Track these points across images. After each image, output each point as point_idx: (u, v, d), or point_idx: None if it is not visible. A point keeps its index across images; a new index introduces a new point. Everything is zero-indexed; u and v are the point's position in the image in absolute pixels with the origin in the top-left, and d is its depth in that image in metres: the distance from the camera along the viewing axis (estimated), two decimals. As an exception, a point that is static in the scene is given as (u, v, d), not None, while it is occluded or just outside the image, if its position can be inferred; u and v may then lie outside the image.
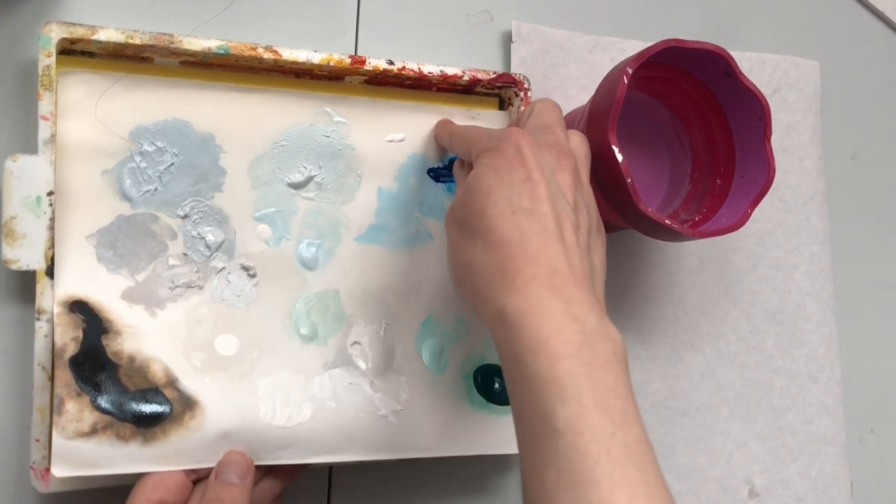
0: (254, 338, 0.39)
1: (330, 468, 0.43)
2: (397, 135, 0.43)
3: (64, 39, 0.37)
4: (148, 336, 0.36)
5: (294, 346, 0.39)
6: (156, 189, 0.38)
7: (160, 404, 0.34)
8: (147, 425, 0.34)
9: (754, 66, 0.54)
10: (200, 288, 0.38)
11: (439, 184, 0.43)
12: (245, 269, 0.39)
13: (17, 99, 0.39)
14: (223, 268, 0.39)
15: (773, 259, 0.53)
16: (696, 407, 0.50)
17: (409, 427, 0.40)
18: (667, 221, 0.39)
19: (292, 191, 0.40)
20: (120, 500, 0.33)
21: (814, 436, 0.51)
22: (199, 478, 0.35)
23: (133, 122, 0.38)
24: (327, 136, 0.41)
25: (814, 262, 0.53)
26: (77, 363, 0.33)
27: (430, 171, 0.43)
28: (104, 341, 0.35)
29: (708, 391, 0.50)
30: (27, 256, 0.35)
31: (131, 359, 0.35)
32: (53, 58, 0.36)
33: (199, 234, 0.38)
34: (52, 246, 0.36)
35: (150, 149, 0.38)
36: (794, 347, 0.52)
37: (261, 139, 0.40)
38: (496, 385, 0.42)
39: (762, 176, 0.42)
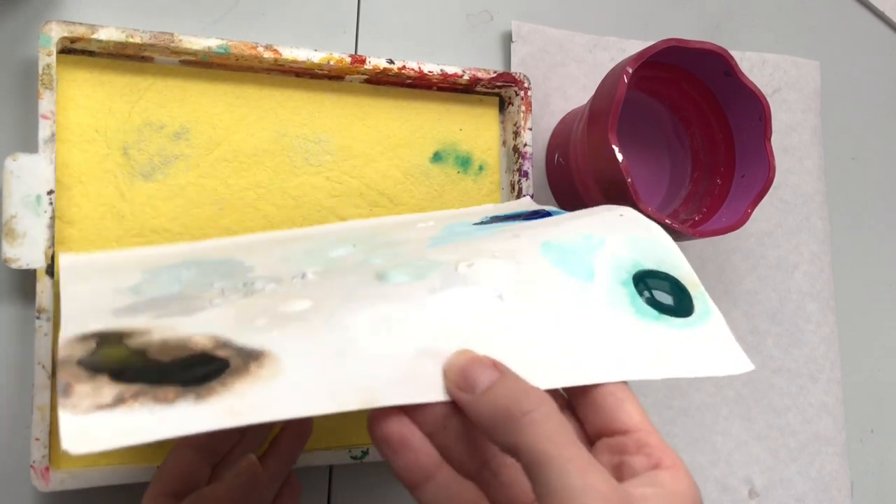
0: (328, 293, 0.30)
1: (330, 468, 0.43)
2: (428, 223, 0.40)
3: (64, 38, 0.37)
4: (184, 328, 0.28)
5: (386, 288, 0.30)
6: (173, 286, 0.32)
7: (209, 363, 0.26)
8: (195, 383, 0.25)
9: (754, 66, 0.54)
10: (247, 295, 0.31)
11: (490, 225, 0.39)
12: (299, 276, 0.33)
13: (18, 98, 0.39)
14: (270, 286, 0.32)
15: (773, 259, 0.53)
16: (696, 406, 0.50)
17: (564, 340, 0.30)
18: (667, 221, 0.39)
19: (338, 258, 0.35)
20: (120, 498, 0.33)
21: (814, 436, 0.51)
22: (215, 459, 0.34)
23: (142, 268, 0.34)
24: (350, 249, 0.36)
25: (814, 262, 0.53)
26: (87, 363, 0.26)
27: (474, 225, 0.39)
28: (125, 342, 0.27)
29: (708, 391, 0.50)
30: (27, 255, 0.35)
31: (163, 342, 0.27)
32: (54, 57, 0.36)
33: (236, 286, 0.32)
34: (53, 245, 0.36)
35: (161, 274, 0.33)
36: (794, 347, 0.52)
37: (284, 250, 0.36)
38: (667, 294, 0.33)
39: (762, 176, 0.42)
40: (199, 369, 0.26)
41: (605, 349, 0.30)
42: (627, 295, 0.32)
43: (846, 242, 0.56)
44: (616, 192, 0.39)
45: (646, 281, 0.33)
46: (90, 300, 0.31)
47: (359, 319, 0.28)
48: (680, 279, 0.33)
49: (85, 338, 0.27)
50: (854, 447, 0.54)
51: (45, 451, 0.35)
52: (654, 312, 0.32)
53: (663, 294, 0.32)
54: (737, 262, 0.52)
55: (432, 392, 0.27)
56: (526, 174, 0.45)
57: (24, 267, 0.35)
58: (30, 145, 0.38)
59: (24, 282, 0.38)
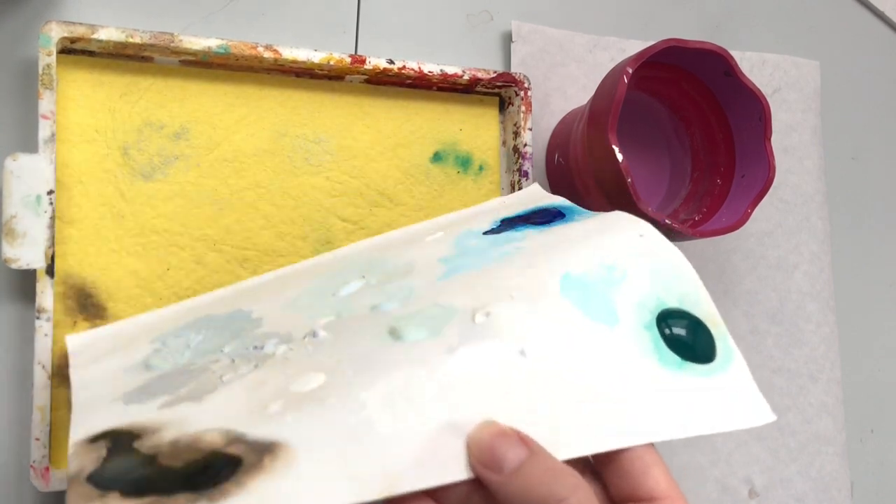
0: (342, 362, 0.28)
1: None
2: (436, 235, 0.37)
3: (64, 38, 0.37)
4: (196, 418, 0.27)
5: (401, 349, 0.28)
6: (184, 354, 0.32)
7: (222, 463, 0.25)
8: (207, 486, 0.24)
9: (754, 66, 0.54)
10: (257, 367, 0.29)
11: (501, 233, 0.37)
12: (310, 335, 0.31)
13: (18, 98, 0.39)
14: (282, 349, 0.30)
15: (773, 259, 0.53)
16: (696, 407, 0.50)
17: (590, 399, 0.28)
18: (667, 221, 0.39)
19: (345, 297, 0.33)
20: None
21: (814, 436, 0.51)
22: None
23: (150, 334, 0.33)
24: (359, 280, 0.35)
25: (814, 262, 0.53)
26: (97, 479, 0.25)
27: (485, 233, 0.37)
28: (136, 445, 0.26)
29: (708, 391, 0.50)
30: (27, 255, 0.35)
31: (174, 443, 0.26)
32: (54, 57, 0.36)
33: (246, 348, 0.31)
34: (53, 245, 0.36)
35: (171, 340, 0.33)
36: (794, 347, 0.52)
37: (289, 292, 0.35)
38: (690, 335, 0.31)
39: (762, 176, 0.42)
40: (211, 471, 0.24)
41: (633, 408, 0.28)
42: (651, 340, 0.30)
43: (846, 242, 0.56)
44: (616, 192, 0.39)
45: (668, 321, 0.31)
46: (100, 386, 0.30)
47: (375, 394, 0.26)
48: (702, 318, 0.32)
49: (95, 440, 0.27)
50: (854, 447, 0.54)
51: (45, 451, 0.35)
52: (678, 360, 0.30)
53: (685, 335, 0.31)
54: (737, 262, 0.52)
55: (456, 470, 0.25)
56: (526, 174, 0.45)
57: (24, 267, 0.35)
58: (30, 145, 0.38)
59: (24, 282, 0.38)
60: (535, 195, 0.41)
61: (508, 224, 0.37)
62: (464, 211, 0.41)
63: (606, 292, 0.31)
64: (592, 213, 0.37)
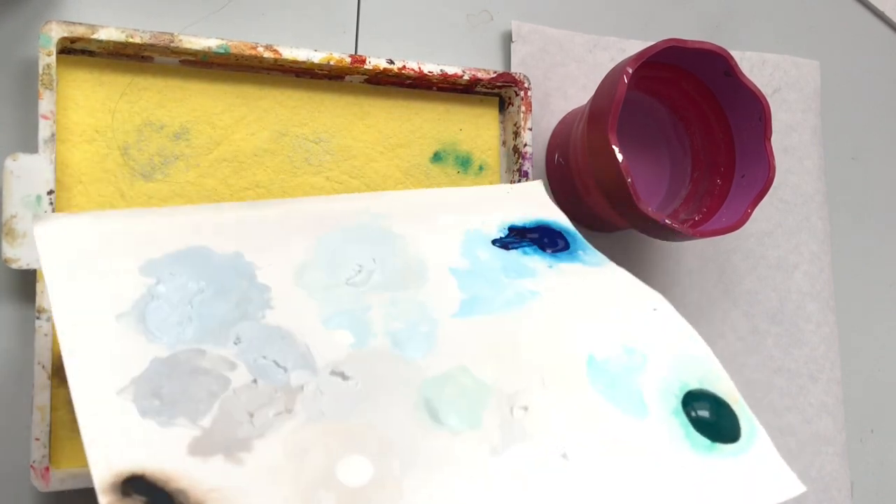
0: (385, 447, 0.28)
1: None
2: (442, 220, 0.37)
3: (64, 38, 0.37)
4: (241, 492, 0.26)
5: (442, 440, 0.29)
6: (190, 318, 0.30)
7: None
8: None
9: (754, 66, 0.54)
10: (290, 411, 0.28)
11: (511, 251, 0.37)
12: (337, 374, 0.30)
13: (18, 98, 0.39)
14: (309, 383, 0.30)
15: (773, 259, 0.53)
16: (696, 407, 0.50)
17: (630, 499, 0.30)
18: (667, 221, 0.39)
19: (354, 289, 0.33)
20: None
21: (814, 436, 0.51)
22: None
23: (141, 257, 0.30)
24: (368, 231, 0.35)
25: (814, 262, 0.53)
26: None
27: (493, 242, 0.37)
28: None
29: (708, 391, 0.50)
30: (28, 255, 0.35)
31: None
32: (54, 57, 0.36)
33: (263, 356, 0.30)
34: (52, 245, 0.36)
35: (168, 284, 0.30)
36: (794, 347, 0.52)
37: (296, 245, 0.33)
38: (716, 416, 0.33)
39: (762, 176, 0.42)
40: None
41: (672, 500, 0.30)
42: (681, 426, 0.32)
43: (846, 242, 0.56)
44: (616, 192, 0.39)
45: (693, 404, 0.33)
46: (90, 326, 0.28)
47: (422, 497, 0.27)
48: (722, 396, 0.33)
49: (126, 490, 0.25)
50: (854, 447, 0.54)
51: (45, 451, 0.35)
52: (707, 442, 0.32)
53: (710, 416, 0.33)
54: (737, 262, 0.52)
55: None
56: (526, 174, 0.45)
57: (24, 267, 0.35)
58: (30, 145, 0.38)
59: (24, 282, 0.38)
60: (538, 196, 0.41)
61: (516, 235, 0.38)
62: (469, 192, 0.40)
63: (631, 380, 0.32)
64: (595, 253, 0.38)
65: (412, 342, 0.32)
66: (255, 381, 0.29)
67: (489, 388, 0.31)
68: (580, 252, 0.38)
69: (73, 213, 0.30)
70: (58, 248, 0.29)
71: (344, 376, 0.30)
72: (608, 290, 0.36)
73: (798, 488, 0.31)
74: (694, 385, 0.33)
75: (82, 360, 0.27)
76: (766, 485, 0.32)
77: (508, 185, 0.40)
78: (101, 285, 0.29)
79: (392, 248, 0.35)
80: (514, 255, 0.37)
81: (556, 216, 0.40)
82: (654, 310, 0.35)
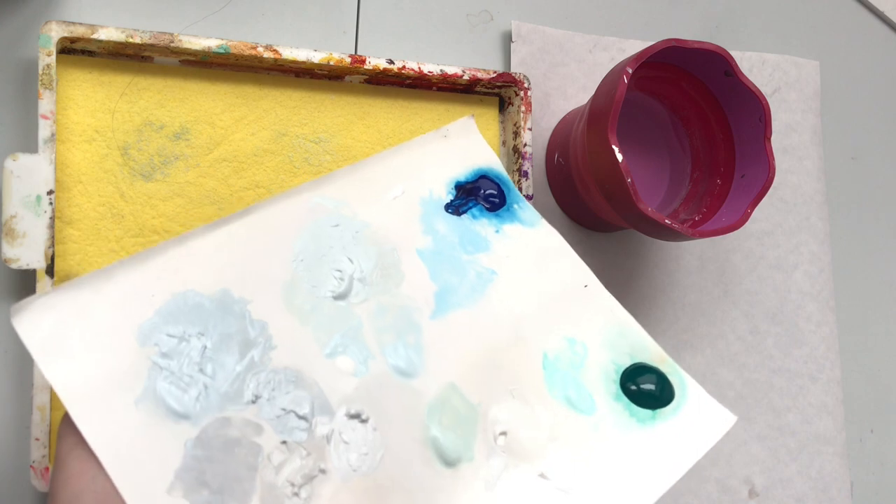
0: (408, 500, 0.32)
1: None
2: (396, 189, 0.39)
3: (64, 38, 0.37)
4: None
5: (447, 479, 0.33)
6: (206, 386, 0.30)
7: None
8: None
9: (754, 66, 0.54)
10: (324, 471, 0.31)
11: (462, 216, 0.40)
12: (354, 416, 0.33)
13: (18, 98, 0.39)
14: (331, 431, 0.32)
15: (773, 259, 0.53)
16: (696, 407, 0.50)
17: (604, 490, 0.34)
18: (667, 221, 0.39)
19: (342, 303, 0.35)
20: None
21: (814, 436, 0.51)
22: None
23: (133, 323, 0.30)
24: (337, 226, 0.36)
25: (814, 262, 0.53)
26: None
27: (446, 208, 0.39)
28: None
29: (708, 391, 0.50)
30: (27, 255, 0.35)
31: None
32: (53, 57, 0.36)
33: (283, 409, 0.31)
34: (53, 245, 0.36)
35: (169, 349, 0.30)
36: (794, 347, 0.52)
37: (276, 266, 0.34)
38: (650, 384, 0.37)
39: (762, 176, 0.42)
40: None
41: (638, 480, 0.34)
42: (625, 408, 0.36)
43: (846, 242, 0.56)
44: (616, 192, 0.39)
45: (630, 381, 0.37)
46: (110, 424, 0.28)
47: None
48: (652, 363, 0.37)
49: None
50: (854, 447, 0.54)
51: (45, 451, 0.35)
52: (649, 413, 0.36)
53: (647, 386, 0.37)
54: (737, 262, 0.52)
55: None
56: (526, 174, 0.45)
57: (24, 267, 0.35)
58: (30, 145, 0.39)
59: (24, 282, 0.38)
60: (472, 135, 0.42)
61: (463, 195, 0.40)
62: (410, 147, 0.40)
63: (578, 377, 0.36)
64: (527, 207, 0.41)
65: (405, 359, 0.35)
66: (283, 441, 0.31)
67: (475, 410, 0.35)
68: (516, 207, 0.41)
69: (45, 294, 0.29)
70: (44, 336, 0.29)
71: (361, 418, 0.33)
72: (547, 269, 0.39)
73: (730, 420, 0.36)
74: (626, 361, 0.37)
75: (124, 463, 0.27)
76: (706, 428, 0.36)
77: (445, 128, 0.41)
78: (103, 366, 0.29)
79: (363, 242, 0.37)
80: (465, 221, 0.40)
81: (490, 160, 0.41)
82: (585, 286, 0.39)
